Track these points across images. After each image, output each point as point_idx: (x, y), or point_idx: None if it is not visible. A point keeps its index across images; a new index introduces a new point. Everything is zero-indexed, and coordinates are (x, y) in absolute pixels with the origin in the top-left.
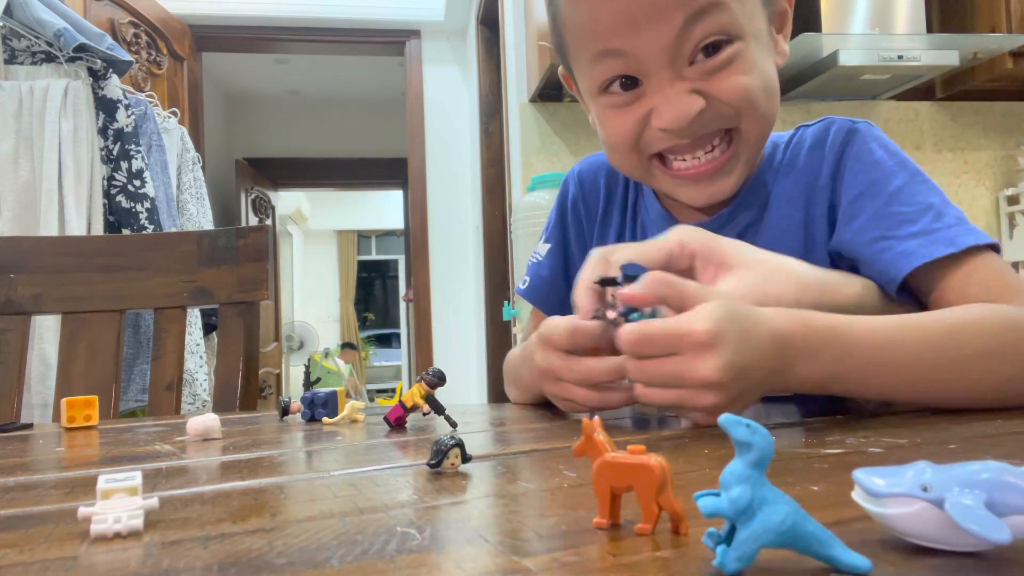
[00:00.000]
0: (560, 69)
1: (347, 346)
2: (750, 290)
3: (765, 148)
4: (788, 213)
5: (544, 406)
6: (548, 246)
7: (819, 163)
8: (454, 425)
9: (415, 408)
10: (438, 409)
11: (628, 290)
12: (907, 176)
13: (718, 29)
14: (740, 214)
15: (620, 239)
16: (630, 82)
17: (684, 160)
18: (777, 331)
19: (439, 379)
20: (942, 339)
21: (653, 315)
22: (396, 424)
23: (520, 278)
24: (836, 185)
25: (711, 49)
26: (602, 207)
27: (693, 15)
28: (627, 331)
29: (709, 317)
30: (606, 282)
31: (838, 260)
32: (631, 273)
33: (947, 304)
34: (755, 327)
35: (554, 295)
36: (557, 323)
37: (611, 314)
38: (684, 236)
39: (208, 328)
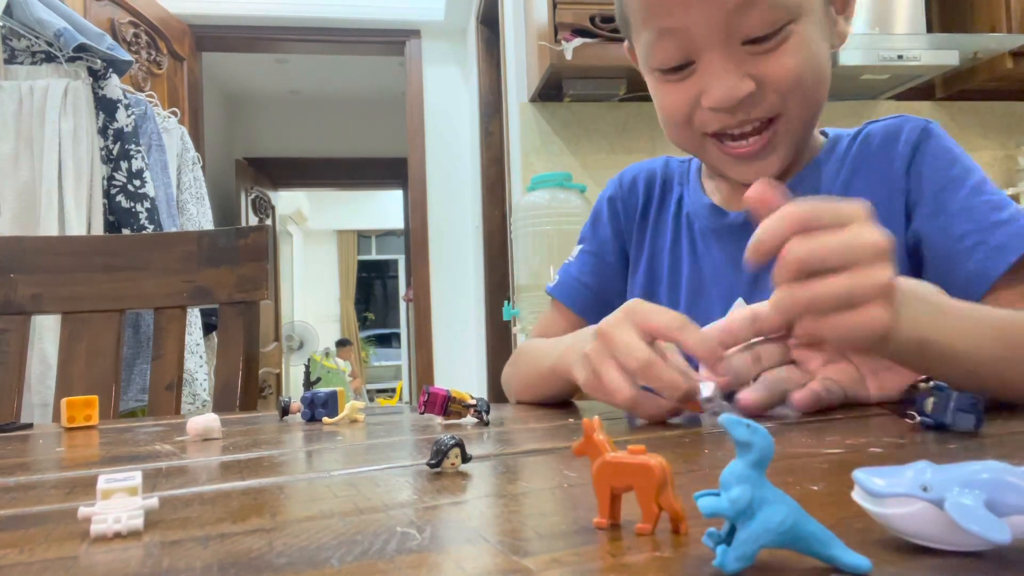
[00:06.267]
0: (625, 43)
1: (341, 343)
2: None
3: (828, 140)
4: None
5: (545, 406)
6: (580, 247)
7: (894, 158)
8: (486, 424)
9: (458, 402)
10: (480, 417)
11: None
12: (981, 174)
13: (773, 13)
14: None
15: (661, 234)
16: (683, 63)
17: (735, 139)
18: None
19: (486, 413)
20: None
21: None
22: (437, 408)
23: (520, 278)
24: (912, 179)
25: (765, 34)
26: (641, 205)
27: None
28: (792, 207)
29: (875, 228)
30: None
31: (915, 253)
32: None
33: None
34: None
35: (581, 293)
36: (666, 311)
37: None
38: None
39: (208, 328)
